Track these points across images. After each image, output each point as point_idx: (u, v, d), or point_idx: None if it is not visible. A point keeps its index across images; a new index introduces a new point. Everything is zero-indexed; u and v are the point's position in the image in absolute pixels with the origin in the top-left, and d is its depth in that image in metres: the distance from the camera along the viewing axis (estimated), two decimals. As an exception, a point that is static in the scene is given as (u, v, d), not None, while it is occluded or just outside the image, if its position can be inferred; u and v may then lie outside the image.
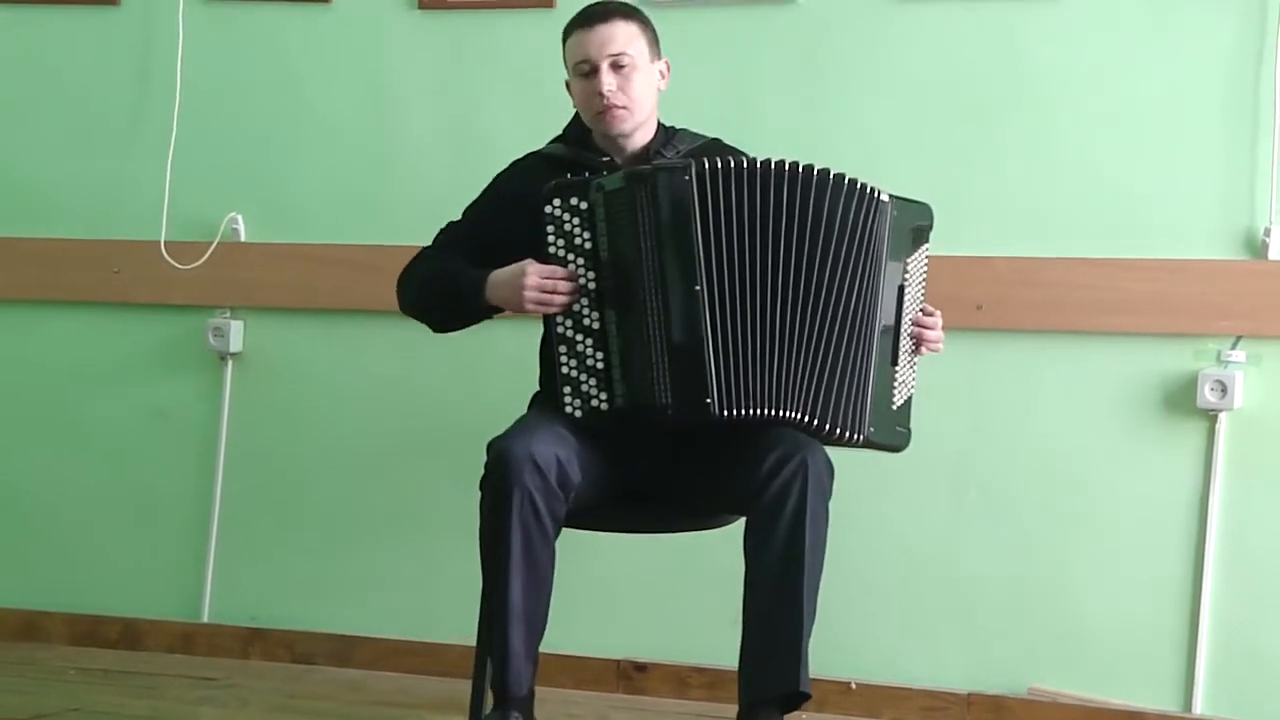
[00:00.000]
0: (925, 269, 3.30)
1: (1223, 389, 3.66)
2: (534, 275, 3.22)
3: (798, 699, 3.19)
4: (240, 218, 4.32)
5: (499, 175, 3.52)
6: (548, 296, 3.22)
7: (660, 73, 3.42)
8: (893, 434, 3.27)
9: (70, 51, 4.43)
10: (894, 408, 3.26)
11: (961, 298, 3.76)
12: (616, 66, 3.34)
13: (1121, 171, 3.75)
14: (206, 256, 4.27)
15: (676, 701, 3.98)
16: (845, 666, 3.85)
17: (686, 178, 3.16)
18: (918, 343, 3.30)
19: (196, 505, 4.37)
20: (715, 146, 3.45)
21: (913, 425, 3.30)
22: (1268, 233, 3.65)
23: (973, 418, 3.85)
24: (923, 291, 3.29)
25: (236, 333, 4.32)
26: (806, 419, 3.19)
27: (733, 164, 3.18)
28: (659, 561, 3.98)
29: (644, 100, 3.38)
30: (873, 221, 3.20)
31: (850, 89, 3.91)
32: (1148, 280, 3.71)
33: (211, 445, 4.35)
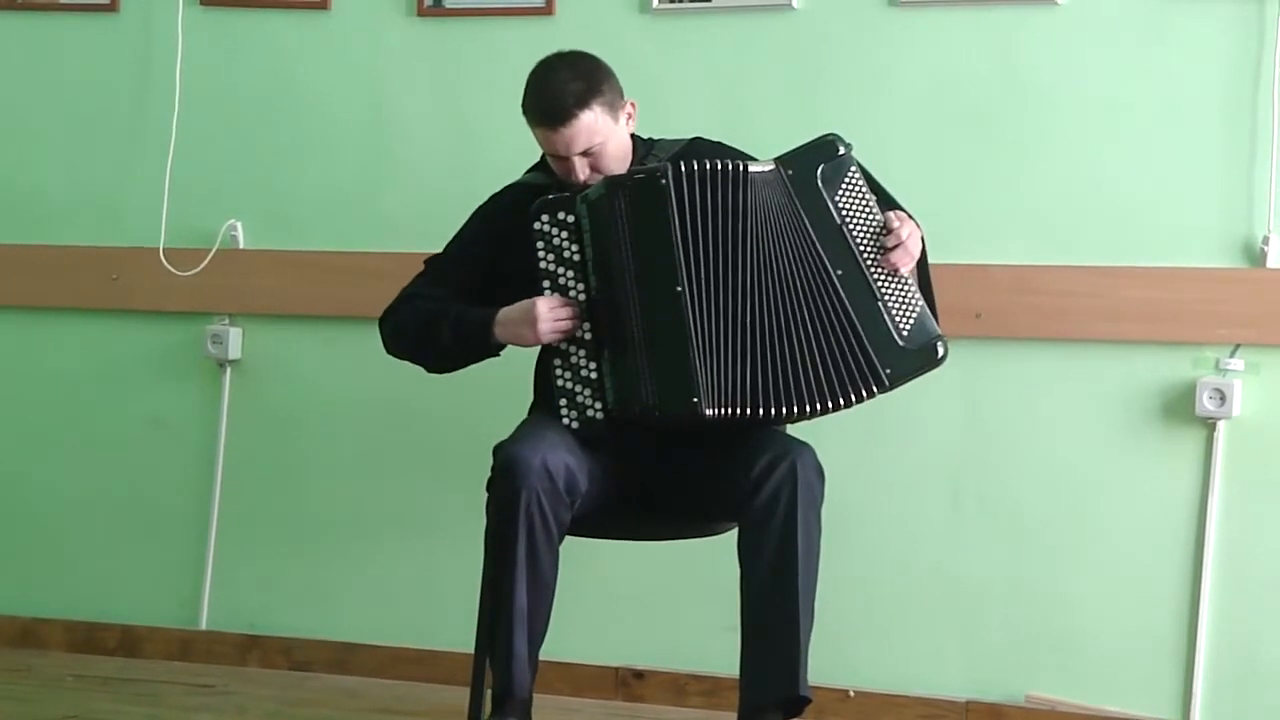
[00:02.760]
0: (862, 190, 3.24)
1: (1221, 397, 3.65)
2: (545, 312, 3.24)
3: (799, 703, 3.19)
4: (239, 225, 4.32)
5: (481, 209, 3.52)
6: (562, 325, 3.24)
7: (628, 118, 3.39)
8: (916, 360, 3.21)
9: (69, 58, 4.43)
10: (903, 336, 3.20)
11: (960, 306, 3.75)
12: (587, 154, 3.33)
13: (1120, 179, 3.75)
14: (205, 263, 4.27)
15: (674, 709, 3.98)
16: (843, 674, 3.85)
17: (664, 181, 3.18)
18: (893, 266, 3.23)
19: (195, 512, 4.36)
20: (695, 147, 3.44)
21: (940, 329, 3.23)
22: (1266, 241, 3.65)
23: (971, 425, 3.85)
24: (871, 212, 3.23)
25: (235, 340, 4.32)
26: (819, 407, 3.19)
27: (708, 165, 3.19)
28: (657, 569, 3.98)
29: (620, 161, 3.36)
30: (766, 197, 3.19)
31: (847, 97, 3.91)
32: (1146, 288, 3.71)
33: (210, 452, 4.35)
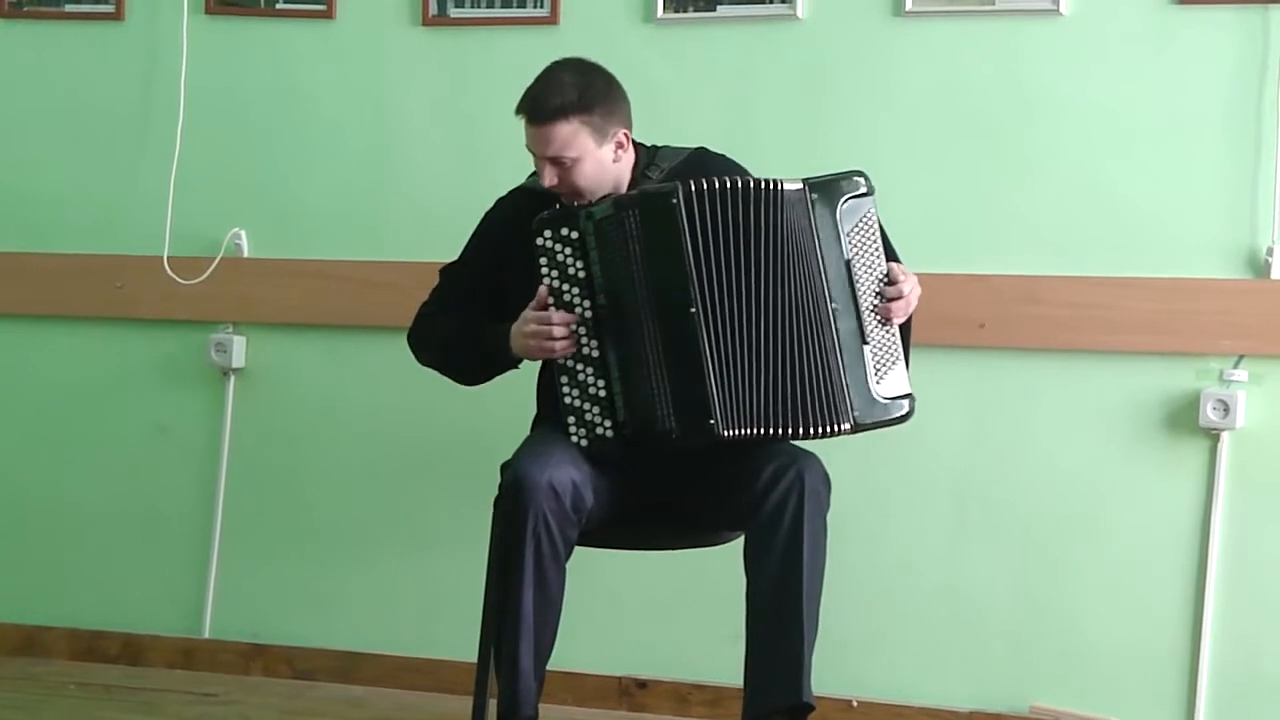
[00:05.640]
0: (874, 233, 3.25)
1: (1225, 408, 3.65)
2: (528, 322, 3.25)
3: (802, 710, 3.20)
4: (243, 233, 4.32)
5: (488, 214, 3.53)
6: (548, 344, 3.23)
7: (618, 144, 3.35)
8: (884, 410, 3.23)
9: (74, 67, 4.44)
10: (877, 384, 3.22)
11: (963, 316, 3.77)
12: (558, 163, 3.32)
13: (1124, 190, 3.75)
14: (209, 272, 4.27)
15: (678, 719, 3.98)
16: (847, 684, 3.85)
17: (675, 200, 3.17)
18: (889, 314, 3.25)
19: (198, 520, 4.36)
20: (699, 157, 3.45)
21: (914, 390, 3.26)
22: (1270, 252, 3.65)
23: (974, 436, 3.85)
24: (877, 256, 3.24)
25: (239, 348, 4.32)
26: (790, 430, 3.20)
27: (717, 184, 3.18)
28: (660, 578, 3.98)
29: (594, 183, 3.34)
30: (789, 215, 3.18)
31: (852, 107, 3.91)
32: (1150, 299, 3.71)
33: (213, 460, 4.35)
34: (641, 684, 4.04)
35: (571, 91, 3.31)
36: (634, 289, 3.20)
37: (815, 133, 3.92)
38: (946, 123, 3.86)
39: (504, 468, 3.25)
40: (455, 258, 3.56)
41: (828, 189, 3.23)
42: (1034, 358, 3.81)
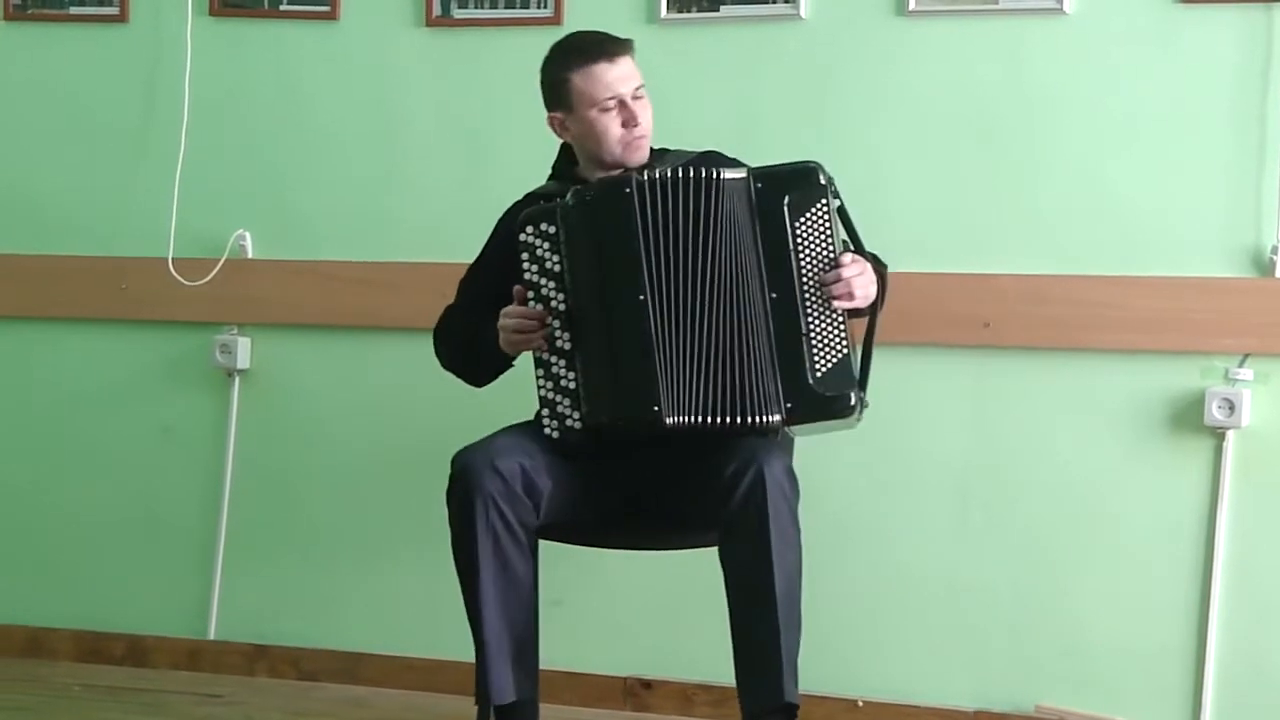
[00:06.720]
0: (825, 224, 3.19)
1: (1230, 407, 3.65)
2: (502, 317, 3.27)
3: (788, 710, 3.15)
4: (248, 234, 4.32)
5: (500, 219, 3.54)
6: (514, 338, 3.26)
7: None
8: (822, 405, 3.16)
9: (79, 69, 4.44)
10: (817, 376, 3.16)
11: (968, 315, 3.77)
12: (638, 97, 3.35)
13: (1128, 189, 3.75)
14: (214, 273, 4.28)
15: (682, 719, 3.98)
16: (852, 684, 3.85)
17: (627, 190, 3.18)
18: (832, 301, 3.18)
19: (203, 522, 4.37)
20: (706, 159, 3.42)
21: (860, 389, 3.19)
22: (1275, 250, 3.65)
23: (979, 435, 3.85)
24: (827, 248, 3.19)
25: (244, 349, 4.32)
26: (727, 419, 3.15)
27: (669, 174, 3.18)
28: (665, 579, 3.97)
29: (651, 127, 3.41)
30: (729, 204, 3.18)
31: (856, 106, 3.91)
32: (1155, 298, 3.70)
33: (218, 462, 4.36)
34: (646, 684, 4.04)
35: (623, 37, 3.39)
36: (592, 277, 3.20)
37: (819, 132, 3.91)
38: (950, 122, 3.86)
39: (453, 459, 3.25)
40: (471, 262, 3.58)
41: (776, 179, 3.21)
42: (1038, 357, 3.81)
